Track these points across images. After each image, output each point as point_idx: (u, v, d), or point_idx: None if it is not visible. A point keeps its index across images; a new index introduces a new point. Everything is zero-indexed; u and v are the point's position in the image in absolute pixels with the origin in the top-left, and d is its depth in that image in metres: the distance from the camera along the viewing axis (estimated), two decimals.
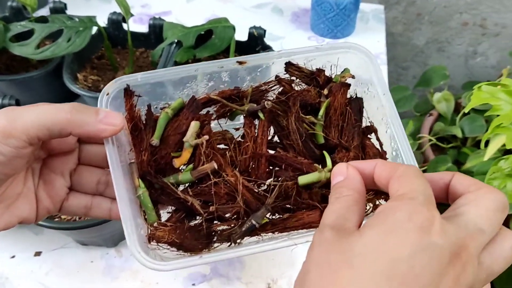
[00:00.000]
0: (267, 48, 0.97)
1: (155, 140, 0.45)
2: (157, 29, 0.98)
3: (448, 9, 1.41)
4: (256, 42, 0.98)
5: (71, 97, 1.02)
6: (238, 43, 0.97)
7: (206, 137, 0.45)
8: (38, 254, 0.80)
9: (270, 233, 0.44)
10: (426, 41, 1.51)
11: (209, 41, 0.93)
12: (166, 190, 0.44)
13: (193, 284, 0.77)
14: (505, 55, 1.51)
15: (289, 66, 0.48)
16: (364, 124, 0.49)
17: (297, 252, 0.80)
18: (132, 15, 0.87)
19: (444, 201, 0.38)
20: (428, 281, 0.30)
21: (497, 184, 0.80)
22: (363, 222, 0.35)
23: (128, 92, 0.46)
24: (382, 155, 0.47)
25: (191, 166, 0.45)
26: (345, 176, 0.39)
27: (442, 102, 1.28)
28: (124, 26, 1.00)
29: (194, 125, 0.45)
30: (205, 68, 0.47)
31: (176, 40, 0.94)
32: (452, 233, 0.32)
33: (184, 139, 0.45)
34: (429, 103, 1.33)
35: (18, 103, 0.82)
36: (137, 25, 0.94)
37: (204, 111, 0.48)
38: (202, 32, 0.93)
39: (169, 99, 0.48)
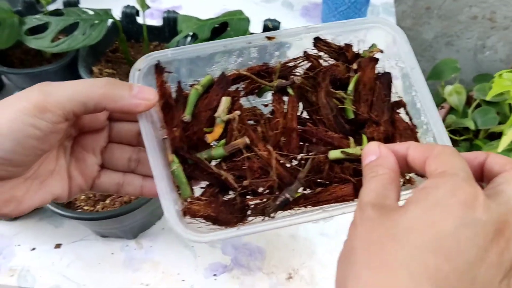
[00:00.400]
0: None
1: (187, 116, 0.45)
2: (171, 22, 0.98)
3: (458, 2, 1.41)
4: None
5: None
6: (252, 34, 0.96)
7: (238, 112, 0.45)
8: (58, 246, 0.80)
9: (302, 207, 0.44)
10: (435, 35, 1.51)
11: (224, 33, 0.93)
12: (200, 165, 0.44)
13: (215, 275, 0.76)
14: None
15: (317, 41, 0.48)
16: (393, 99, 0.49)
17: (316, 242, 0.81)
18: (148, 7, 0.87)
19: (479, 181, 0.37)
20: (473, 255, 0.30)
21: None
22: (401, 199, 0.36)
23: (159, 68, 0.45)
24: (412, 128, 0.47)
25: (223, 141, 0.45)
26: (377, 155, 0.38)
27: (453, 95, 1.28)
28: (138, 19, 1.00)
29: (225, 101, 0.45)
30: (234, 44, 0.47)
31: (191, 33, 0.94)
32: (494, 209, 0.32)
33: (216, 115, 0.45)
34: (440, 96, 1.33)
35: None
36: (148, 20, 0.94)
37: (233, 88, 0.48)
38: (217, 25, 0.94)
39: (197, 76, 0.47)
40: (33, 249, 0.79)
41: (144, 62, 0.45)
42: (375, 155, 0.38)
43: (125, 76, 0.94)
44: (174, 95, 0.47)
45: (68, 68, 0.93)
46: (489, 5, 1.42)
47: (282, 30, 0.48)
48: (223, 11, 1.24)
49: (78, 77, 0.89)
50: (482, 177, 0.37)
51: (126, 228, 0.78)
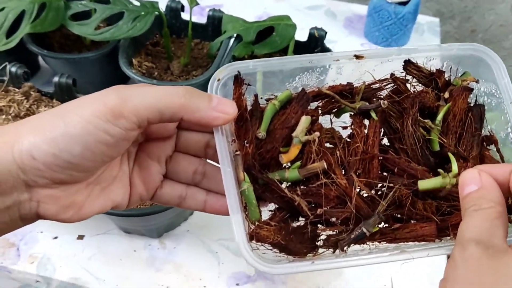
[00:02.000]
0: (327, 50, 0.93)
1: (261, 133, 0.42)
2: (215, 21, 0.95)
3: (504, 28, 1.38)
4: (316, 44, 0.95)
5: (122, 81, 1.01)
6: (297, 43, 0.93)
7: (318, 133, 0.42)
8: (81, 237, 0.78)
9: (376, 242, 0.41)
10: None
11: (269, 38, 0.91)
12: (271, 187, 0.41)
13: (237, 284, 0.74)
14: None
15: (408, 64, 0.45)
16: (483, 133, 0.46)
17: None
18: (197, 3, 0.85)
19: None
20: None
21: None
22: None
23: (238, 80, 0.43)
24: None
25: (298, 163, 0.42)
26: (479, 185, 0.35)
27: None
28: (182, 15, 0.98)
29: (305, 120, 0.42)
30: (320, 60, 0.44)
31: (235, 34, 0.92)
32: None
33: (294, 134, 0.42)
34: None
35: (74, 82, 0.81)
36: (187, 16, 0.93)
37: (312, 106, 0.45)
38: (262, 28, 0.92)
39: (275, 91, 0.44)
40: (55, 237, 0.77)
41: (224, 72, 0.42)
42: (476, 185, 0.35)
43: (163, 71, 0.92)
44: (249, 108, 0.44)
45: (107, 57, 0.91)
46: None
47: (372, 50, 0.44)
48: (264, 14, 1.23)
49: (117, 67, 0.87)
50: None
51: (152, 227, 0.76)
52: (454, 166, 0.42)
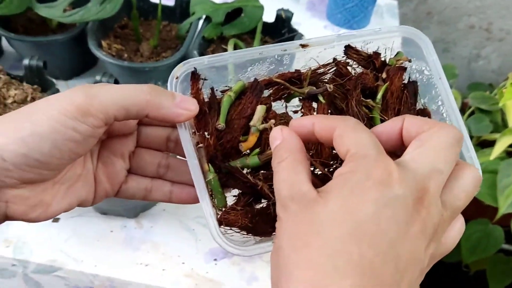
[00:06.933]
0: (293, 31, 0.94)
1: (221, 124, 0.43)
2: (183, 3, 0.95)
3: (458, 10, 1.43)
4: (283, 25, 0.95)
5: (90, 65, 1.00)
6: (265, 24, 0.94)
7: (273, 121, 0.43)
8: (56, 220, 0.77)
9: None
10: (433, 40, 1.52)
11: (238, 19, 0.91)
12: (234, 174, 0.42)
13: (215, 259, 0.75)
14: (507, 60, 1.54)
15: (348, 49, 0.47)
16: (418, 107, 0.47)
17: None
18: None
19: (400, 150, 0.36)
20: (395, 233, 0.29)
21: None
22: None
23: (195, 76, 0.44)
24: None
25: (257, 150, 0.43)
26: (281, 139, 0.36)
27: None
28: None
29: (260, 109, 0.44)
30: (269, 51, 0.45)
31: (204, 16, 0.93)
32: (410, 179, 0.31)
33: (251, 123, 0.43)
34: None
35: (45, 65, 0.80)
36: None
37: (264, 94, 0.46)
38: (231, 10, 0.91)
39: (228, 82, 0.46)
40: None
41: (181, 70, 0.43)
42: (279, 140, 0.36)
43: (133, 53, 0.92)
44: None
45: (75, 40, 0.89)
46: (487, 16, 1.44)
47: (315, 38, 0.46)
48: None
49: (85, 51, 0.86)
50: (403, 144, 0.36)
51: (129, 206, 0.75)
52: None
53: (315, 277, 0.29)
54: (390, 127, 0.36)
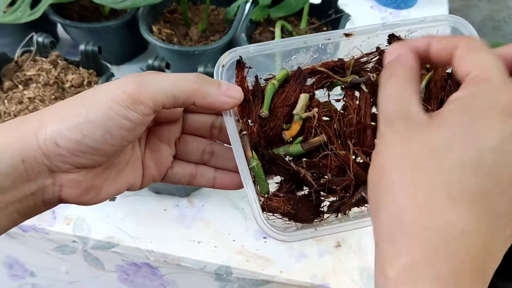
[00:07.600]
0: (340, 12, 0.93)
1: (264, 112, 0.44)
2: None
3: None
4: (329, 6, 0.94)
5: (141, 50, 1.03)
6: (312, 5, 0.93)
7: (316, 109, 0.44)
8: (113, 199, 0.80)
9: None
10: (483, 18, 1.44)
11: (285, 1, 0.90)
12: (277, 162, 0.43)
13: (264, 237, 0.77)
14: None
15: (392, 38, 0.46)
16: None
17: None
18: None
19: None
20: None
21: None
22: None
23: (240, 64, 0.44)
24: None
25: (300, 138, 0.44)
26: (397, 54, 0.35)
27: None
28: None
29: (304, 98, 0.44)
30: (313, 40, 0.45)
31: None
32: None
33: (295, 112, 0.44)
34: None
35: (100, 50, 0.83)
36: None
37: (308, 82, 0.46)
38: None
39: (272, 70, 0.46)
40: None
41: (227, 58, 0.44)
42: (395, 54, 0.35)
43: (182, 37, 0.93)
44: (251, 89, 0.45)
45: (127, 26, 0.92)
46: None
47: (359, 27, 0.45)
48: None
49: (136, 35, 0.88)
50: None
51: (181, 186, 0.78)
52: None
53: (424, 202, 0.28)
54: (506, 52, 0.33)
